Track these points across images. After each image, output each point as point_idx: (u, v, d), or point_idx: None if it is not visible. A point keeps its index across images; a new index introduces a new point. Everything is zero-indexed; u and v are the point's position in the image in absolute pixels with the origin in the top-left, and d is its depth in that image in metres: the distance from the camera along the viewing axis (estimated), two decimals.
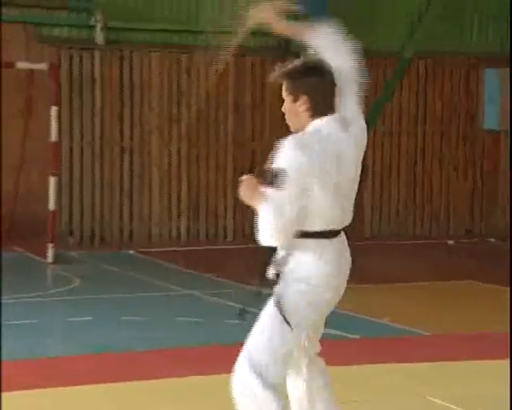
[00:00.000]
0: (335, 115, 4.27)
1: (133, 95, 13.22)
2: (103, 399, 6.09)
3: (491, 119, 14.64)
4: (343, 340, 8.00)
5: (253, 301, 10.66)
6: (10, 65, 11.74)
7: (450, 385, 6.61)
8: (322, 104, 4.26)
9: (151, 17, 13.37)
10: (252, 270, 13.14)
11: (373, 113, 14.28)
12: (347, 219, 4.40)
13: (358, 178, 4.35)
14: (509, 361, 6.54)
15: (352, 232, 16.51)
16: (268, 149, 15.13)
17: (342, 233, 4.42)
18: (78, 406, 5.90)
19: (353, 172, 4.31)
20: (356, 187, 4.37)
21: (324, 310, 4.44)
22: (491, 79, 14.51)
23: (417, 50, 14.42)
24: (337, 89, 4.28)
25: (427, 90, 14.60)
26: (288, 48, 13.68)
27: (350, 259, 4.44)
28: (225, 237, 13.79)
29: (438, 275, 11.47)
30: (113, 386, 6.33)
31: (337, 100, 4.31)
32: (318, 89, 4.27)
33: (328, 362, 7.03)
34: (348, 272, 4.43)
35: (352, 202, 4.39)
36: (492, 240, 14.32)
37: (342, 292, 4.48)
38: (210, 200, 13.72)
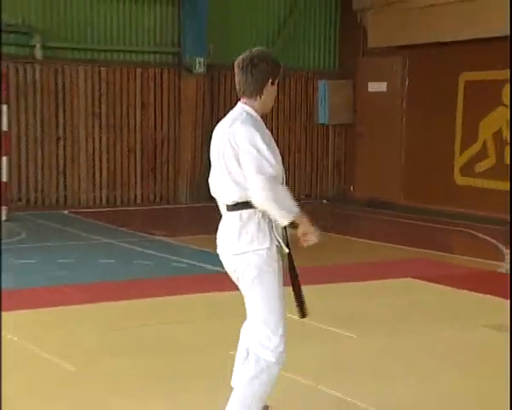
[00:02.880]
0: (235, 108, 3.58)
1: (65, 98, 12.86)
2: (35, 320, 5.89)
3: (322, 116, 14.70)
4: (220, 274, 7.96)
5: (152, 246, 10.23)
6: None
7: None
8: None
9: (78, 39, 13.00)
10: (154, 225, 12.93)
11: None
12: (223, 197, 3.54)
13: (234, 165, 3.44)
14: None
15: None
16: (165, 137, 14.85)
17: (229, 211, 3.50)
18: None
19: (216, 157, 3.53)
20: (229, 171, 3.46)
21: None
22: (322, 87, 14.64)
23: None
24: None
25: (279, 94, 14.47)
26: (180, 62, 13.62)
27: (227, 233, 3.50)
28: (135, 201, 13.56)
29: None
30: (50, 310, 6.14)
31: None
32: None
33: (210, 288, 6.95)
34: (224, 245, 3.54)
35: (227, 183, 3.47)
36: (324, 201, 14.53)
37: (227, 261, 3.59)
38: (123, 174, 13.48)
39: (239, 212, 3.47)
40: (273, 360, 3.48)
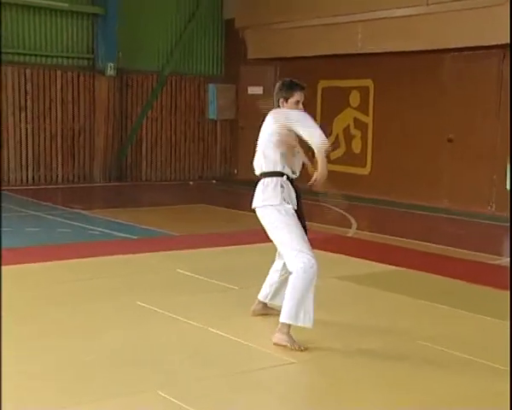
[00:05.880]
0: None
1: None
2: None
3: (212, 113, 14.58)
4: (127, 240, 7.71)
5: (71, 217, 9.74)
6: None
7: (195, 263, 6.38)
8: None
9: (6, 44, 12.24)
10: (73, 200, 12.43)
11: (145, 107, 13.94)
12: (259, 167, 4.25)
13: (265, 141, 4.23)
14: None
15: (135, 176, 15.74)
16: (81, 128, 14.24)
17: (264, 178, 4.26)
18: None
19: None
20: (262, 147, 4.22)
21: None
22: (211, 89, 14.51)
23: (171, 71, 14.15)
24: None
25: (177, 95, 14.40)
26: (94, 66, 13.13)
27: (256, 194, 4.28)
28: (57, 180, 13.02)
29: (183, 201, 11.45)
30: None
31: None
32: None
33: (118, 251, 6.73)
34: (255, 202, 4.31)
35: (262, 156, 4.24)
36: (214, 181, 14.49)
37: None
38: (47, 157, 12.90)
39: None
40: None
